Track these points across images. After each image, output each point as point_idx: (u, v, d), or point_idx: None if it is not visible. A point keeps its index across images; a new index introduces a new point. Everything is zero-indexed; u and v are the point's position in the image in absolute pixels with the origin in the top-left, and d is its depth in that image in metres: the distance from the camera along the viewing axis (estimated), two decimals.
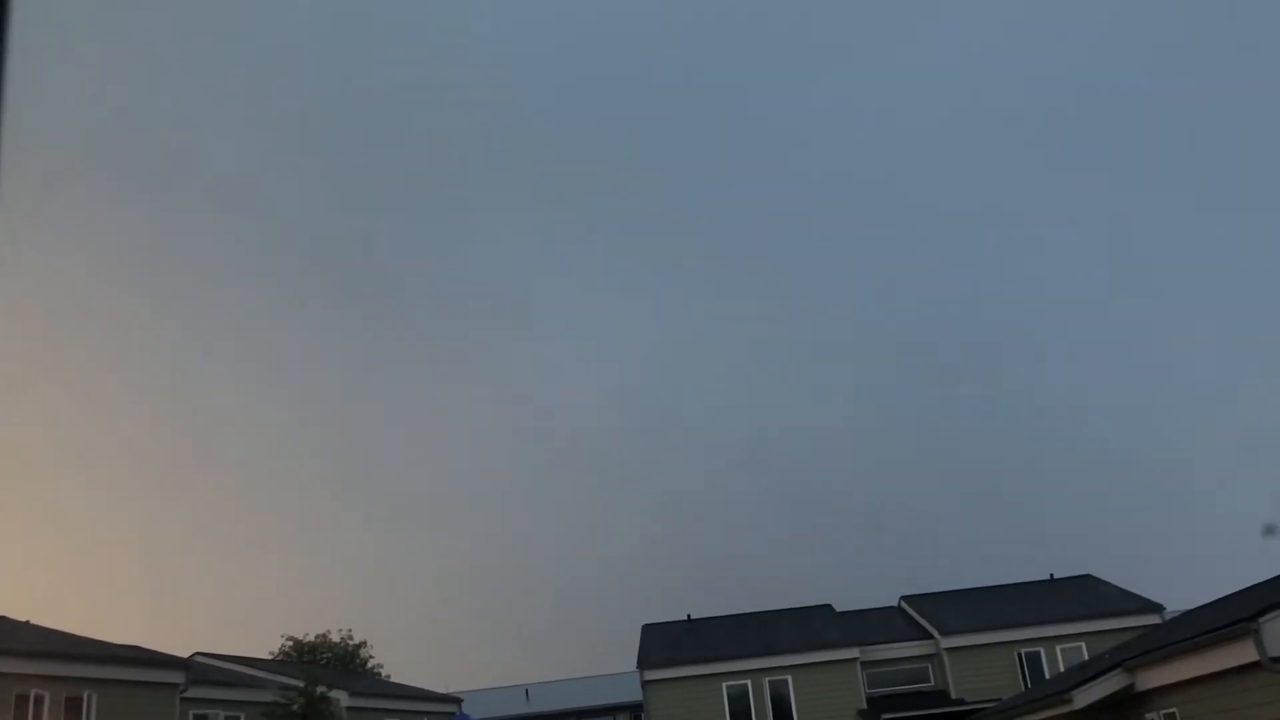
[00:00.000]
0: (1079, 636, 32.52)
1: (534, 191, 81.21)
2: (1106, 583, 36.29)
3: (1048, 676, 30.45)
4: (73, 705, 23.52)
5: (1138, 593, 34.51)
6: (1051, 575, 38.15)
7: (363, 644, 49.98)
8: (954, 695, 32.43)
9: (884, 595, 39.81)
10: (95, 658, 24.90)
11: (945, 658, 33.58)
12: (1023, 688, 30.75)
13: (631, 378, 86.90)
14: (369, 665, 49.42)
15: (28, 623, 27.60)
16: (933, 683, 33.90)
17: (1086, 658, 28.48)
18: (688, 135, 79.86)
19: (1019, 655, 33.01)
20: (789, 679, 33.23)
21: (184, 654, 30.15)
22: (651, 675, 33.93)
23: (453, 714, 35.74)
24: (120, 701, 24.42)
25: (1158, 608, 33.12)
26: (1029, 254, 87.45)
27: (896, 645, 34.64)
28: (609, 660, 51.07)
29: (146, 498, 78.02)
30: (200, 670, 29.86)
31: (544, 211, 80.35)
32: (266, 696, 30.55)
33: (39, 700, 22.79)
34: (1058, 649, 32.71)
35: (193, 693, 27.68)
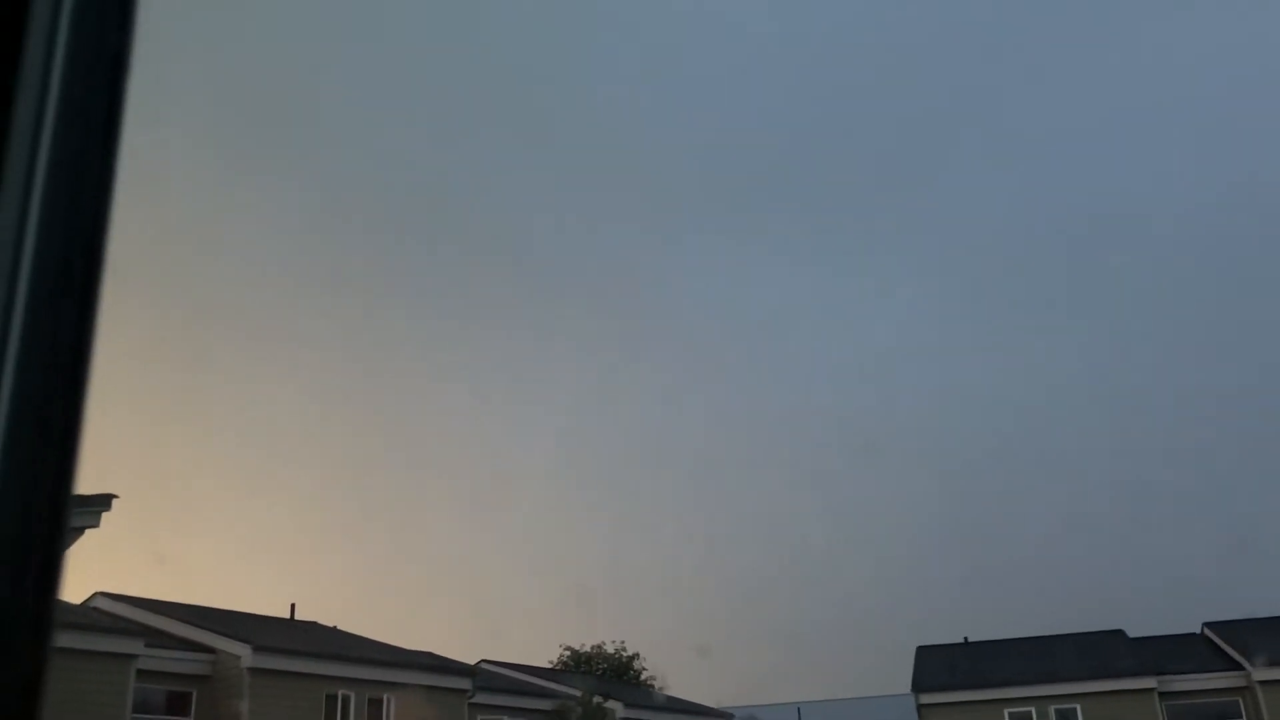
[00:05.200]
0: None
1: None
2: None
3: None
4: (374, 706, 25.30)
5: None
6: None
7: (636, 655, 51.11)
8: None
9: (1185, 623, 36.82)
10: (395, 663, 26.69)
11: (1259, 691, 30.62)
12: None
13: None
14: (642, 677, 50.45)
15: (335, 629, 29.98)
16: (1244, 719, 31.01)
17: None
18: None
19: None
20: (1078, 708, 31.28)
21: (470, 661, 31.81)
22: (928, 699, 32.83)
23: None
24: (415, 705, 26.03)
25: None
26: None
27: (1200, 676, 31.90)
28: (876, 681, 49.90)
29: (438, 510, 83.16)
30: (486, 677, 31.40)
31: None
32: (546, 704, 31.77)
33: (345, 701, 24.64)
34: None
35: (479, 699, 29.14)
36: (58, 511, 0.95)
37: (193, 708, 22.85)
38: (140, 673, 21.31)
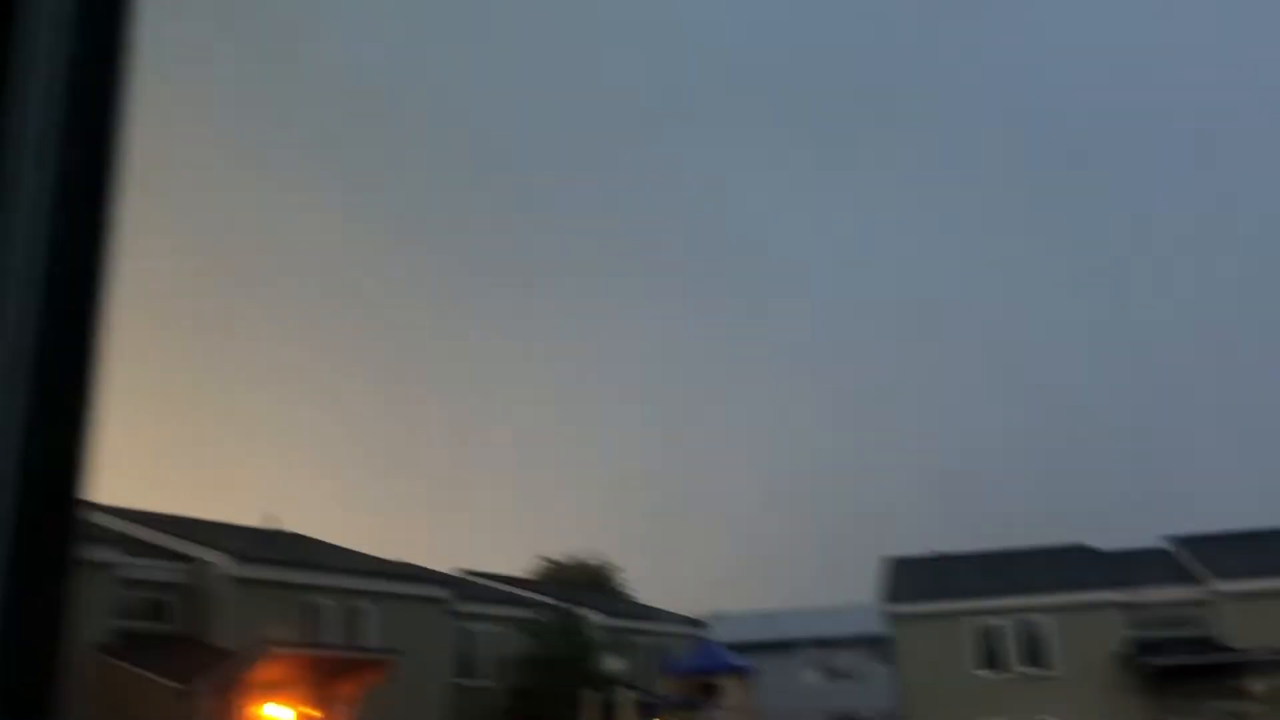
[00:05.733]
0: None
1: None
2: None
3: None
4: (354, 615, 25.65)
5: None
6: None
7: (614, 566, 51.93)
8: (1228, 644, 30.34)
9: (1148, 537, 37.55)
10: (374, 573, 27.01)
11: (1221, 603, 31.39)
12: None
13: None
14: (619, 587, 51.30)
15: (313, 538, 30.23)
16: (1204, 629, 31.81)
17: None
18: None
19: None
20: (1043, 619, 32.04)
21: (450, 572, 32.23)
22: (897, 609, 33.54)
23: (699, 637, 36.62)
24: (395, 614, 26.41)
25: None
26: None
27: (1164, 588, 32.64)
28: (853, 592, 50.81)
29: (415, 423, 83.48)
30: (465, 587, 31.84)
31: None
32: (525, 613, 32.30)
33: (325, 609, 24.97)
34: None
35: (459, 607, 29.59)
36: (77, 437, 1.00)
37: (171, 615, 23.12)
38: (118, 581, 21.52)
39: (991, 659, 32.07)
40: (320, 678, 21.52)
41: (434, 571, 29.64)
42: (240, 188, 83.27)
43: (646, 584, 56.55)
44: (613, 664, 31.64)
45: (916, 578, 35.21)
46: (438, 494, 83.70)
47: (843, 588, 70.56)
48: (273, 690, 20.62)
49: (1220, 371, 77.70)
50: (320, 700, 21.59)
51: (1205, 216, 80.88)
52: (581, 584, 47.60)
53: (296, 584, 24.38)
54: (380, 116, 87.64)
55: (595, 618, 34.31)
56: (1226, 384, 78.37)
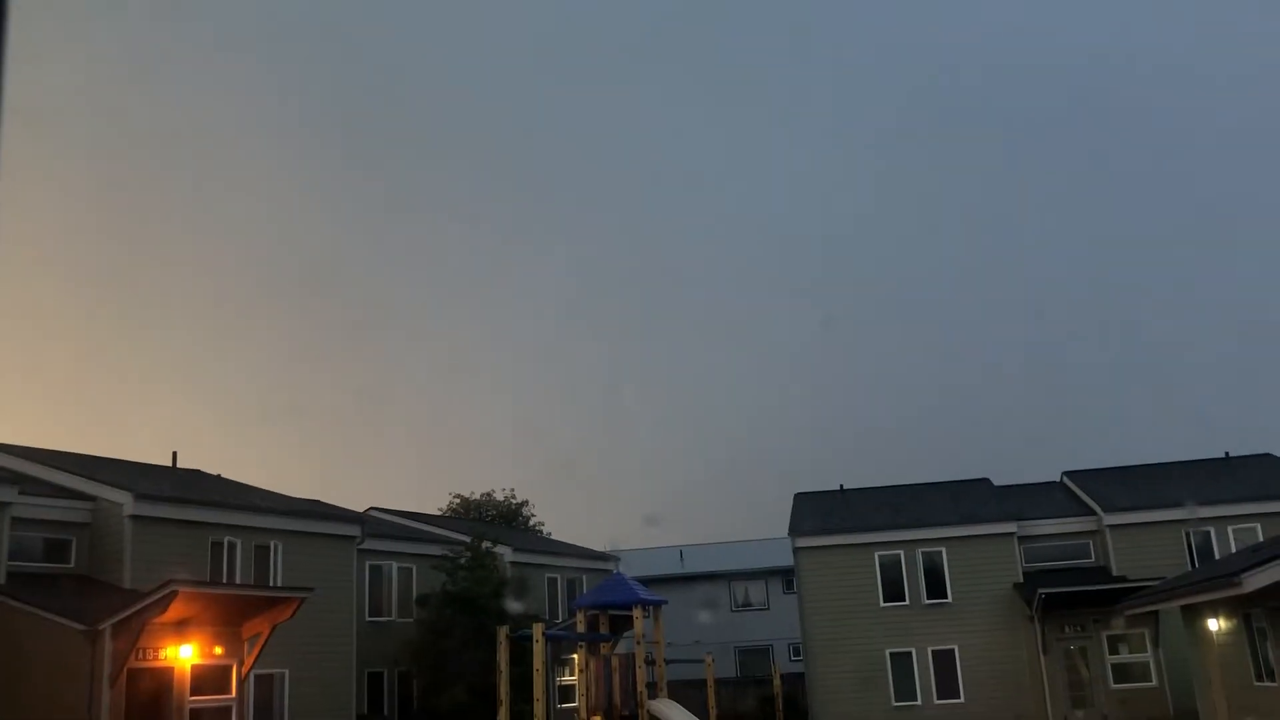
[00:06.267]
0: (1254, 518, 31.21)
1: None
2: None
3: (1218, 558, 29.47)
4: (261, 553, 25.40)
5: None
6: (1227, 454, 36.53)
7: (525, 503, 52.08)
8: (1115, 573, 31.78)
9: (1046, 472, 39.00)
10: (281, 510, 26.71)
11: (1108, 535, 32.80)
12: (1190, 569, 29.88)
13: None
14: (530, 523, 51.54)
15: (219, 477, 29.76)
16: (1093, 560, 33.27)
17: (1261, 540, 27.38)
18: None
19: (1187, 535, 31.96)
20: (943, 551, 33.11)
21: (359, 510, 32.03)
22: (803, 542, 34.30)
23: (610, 572, 37.07)
24: (303, 551, 26.22)
25: None
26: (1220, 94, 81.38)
27: (1056, 521, 33.97)
28: (758, 526, 51.91)
29: (321, 360, 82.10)
30: (374, 525, 31.70)
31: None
32: (436, 550, 32.30)
33: (232, 548, 24.67)
34: (1229, 530, 31.51)
35: (368, 545, 29.47)
36: None
37: (72, 555, 22.63)
38: (16, 520, 20.97)
39: (893, 589, 33.09)
40: (227, 617, 21.33)
41: (343, 509, 29.42)
42: (138, 118, 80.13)
43: (557, 520, 56.91)
44: (523, 599, 31.91)
45: (820, 512, 36.04)
46: (345, 434, 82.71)
47: (750, 523, 72.07)
48: (179, 630, 20.39)
49: (1111, 320, 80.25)
50: (228, 639, 21.42)
51: (1099, 153, 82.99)
52: (492, 520, 47.72)
53: (202, 522, 24.01)
54: (284, 54, 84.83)
55: (506, 553, 34.49)
56: (1117, 332, 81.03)
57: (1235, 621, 21.08)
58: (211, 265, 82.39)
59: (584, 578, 38.99)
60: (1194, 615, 23.34)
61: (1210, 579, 20.55)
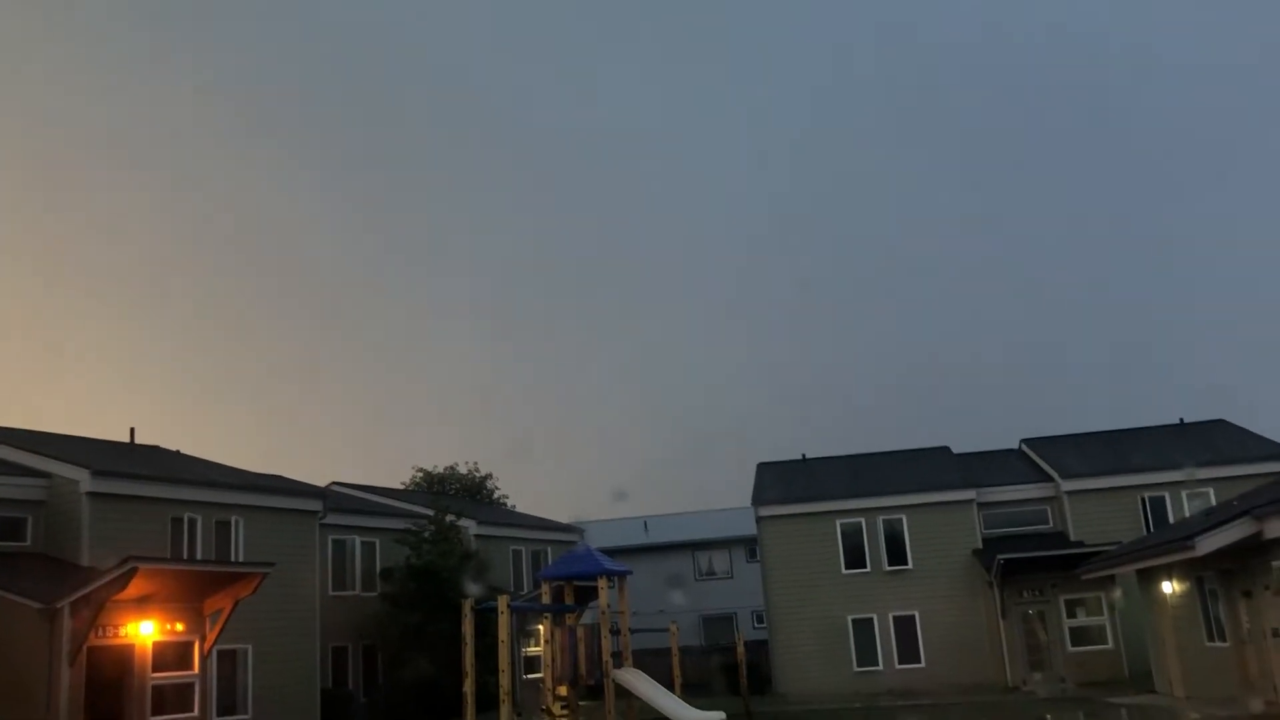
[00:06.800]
0: (1207, 482, 31.78)
1: None
2: (1240, 428, 35.17)
3: (1172, 523, 30.00)
4: (222, 529, 25.19)
5: (1275, 439, 33.38)
6: (1181, 420, 37.13)
7: (489, 476, 51.98)
8: (1072, 538, 32.27)
9: (1005, 440, 39.45)
10: (242, 486, 26.47)
11: (1065, 501, 33.30)
12: (1145, 533, 30.40)
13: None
14: (495, 496, 51.48)
15: (178, 452, 29.46)
16: (1051, 525, 33.76)
17: (1214, 504, 27.88)
18: None
19: (1142, 500, 32.52)
20: (903, 518, 33.47)
21: (321, 484, 31.79)
22: (766, 511, 34.55)
23: (574, 543, 37.14)
24: (264, 527, 26.03)
25: None
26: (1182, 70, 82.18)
27: (1014, 487, 34.42)
28: (723, 496, 52.15)
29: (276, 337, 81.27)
30: (337, 499, 31.50)
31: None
32: (399, 524, 32.21)
33: (192, 523, 24.45)
34: (1183, 495, 32.09)
35: (331, 520, 29.31)
36: None
37: (28, 534, 22.34)
38: None
39: (854, 557, 33.41)
40: (189, 593, 21.15)
41: (304, 484, 29.17)
42: (79, 90, 78.50)
43: (521, 494, 56.94)
44: (487, 571, 31.92)
45: (783, 481, 36.29)
46: (306, 410, 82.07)
47: (714, 493, 72.43)
48: (139, 607, 20.21)
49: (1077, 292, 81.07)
50: (189, 615, 21.26)
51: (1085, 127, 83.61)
52: (456, 494, 47.62)
53: (161, 499, 23.74)
54: (233, 12, 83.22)
55: (470, 527, 34.46)
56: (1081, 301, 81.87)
57: (1188, 584, 21.49)
58: (167, 242, 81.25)
59: (549, 549, 39.05)
60: (1149, 579, 23.77)
61: (1165, 543, 20.91)
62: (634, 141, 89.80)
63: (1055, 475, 34.01)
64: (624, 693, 22.21)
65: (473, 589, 27.01)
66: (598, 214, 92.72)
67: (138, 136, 79.10)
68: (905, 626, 32.66)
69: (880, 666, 32.48)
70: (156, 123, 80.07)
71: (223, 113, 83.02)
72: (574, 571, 23.84)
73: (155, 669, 20.43)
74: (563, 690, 21.56)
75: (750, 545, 42.85)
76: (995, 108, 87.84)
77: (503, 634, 19.60)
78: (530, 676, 29.97)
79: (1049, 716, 21.92)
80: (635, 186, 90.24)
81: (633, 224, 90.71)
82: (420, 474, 50.31)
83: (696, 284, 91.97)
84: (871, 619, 32.84)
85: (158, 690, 20.44)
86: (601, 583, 22.19)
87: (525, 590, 35.77)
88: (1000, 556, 29.69)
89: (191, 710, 20.97)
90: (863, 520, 33.68)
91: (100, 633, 19.43)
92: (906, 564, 33.15)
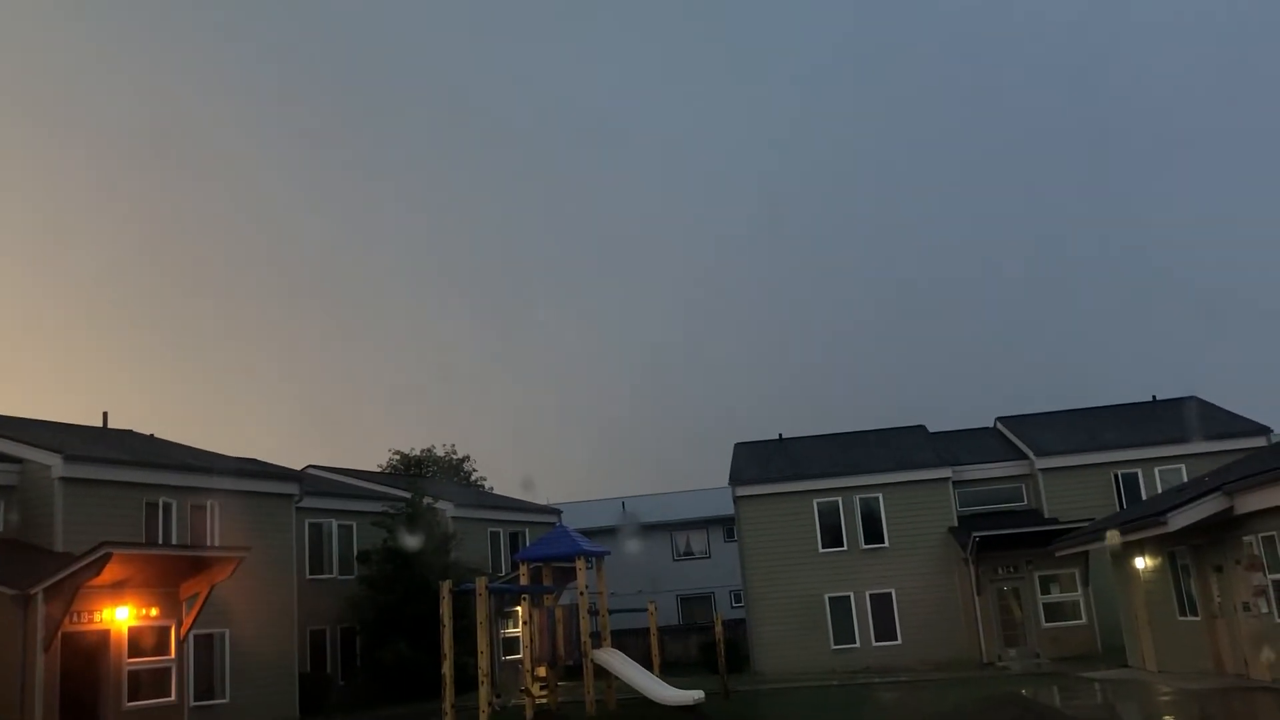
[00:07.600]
0: (1179, 459, 32.09)
1: None
2: (1212, 405, 35.49)
3: (1145, 499, 30.28)
4: (197, 513, 25.04)
5: (1246, 415, 33.72)
6: (1154, 397, 37.46)
7: (466, 458, 51.93)
8: (1047, 515, 32.54)
9: (980, 419, 39.73)
10: (216, 469, 26.29)
11: (1039, 478, 33.56)
12: (1119, 510, 30.69)
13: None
14: (472, 478, 51.43)
15: (152, 436, 29.24)
16: (1025, 503, 34.02)
17: (1186, 480, 28.17)
18: None
19: (1116, 477, 32.82)
20: (880, 497, 33.64)
21: (297, 468, 31.64)
22: (743, 491, 34.63)
23: (552, 524, 37.15)
24: (240, 510, 25.88)
25: (1264, 430, 32.35)
26: (1147, 39, 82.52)
27: (990, 465, 34.66)
28: (699, 476, 52.33)
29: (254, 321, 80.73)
30: (313, 482, 31.38)
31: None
32: (376, 507, 32.12)
33: (167, 508, 24.29)
34: (1156, 471, 32.39)
35: (307, 503, 29.21)
36: None
37: (0, 519, 22.12)
38: None
39: (831, 535, 33.58)
40: (164, 578, 21.04)
41: (279, 467, 29.02)
42: (53, 58, 77.36)
43: (500, 474, 56.89)
44: (465, 553, 31.91)
45: (760, 461, 36.39)
46: (280, 394, 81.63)
47: (692, 473, 72.65)
48: (114, 592, 20.08)
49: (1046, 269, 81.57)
50: (165, 600, 21.15)
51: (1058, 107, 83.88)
52: (433, 476, 47.54)
53: (135, 483, 23.56)
54: None
55: (447, 509, 34.39)
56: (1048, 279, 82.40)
57: (1161, 560, 21.72)
58: (135, 223, 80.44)
59: (527, 531, 39.06)
60: (1122, 554, 24.00)
61: (1137, 519, 21.09)
62: (625, 119, 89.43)
63: (1030, 453, 34.27)
64: (603, 673, 22.29)
65: (450, 571, 27.00)
66: (578, 190, 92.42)
67: (97, 110, 78.17)
68: (882, 604, 32.88)
69: (857, 644, 32.69)
70: (100, 92, 79.10)
71: (182, 75, 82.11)
72: (552, 553, 23.86)
73: (131, 654, 20.34)
74: (542, 671, 21.62)
75: (728, 525, 42.98)
76: (961, 88, 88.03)
77: (481, 615, 19.60)
78: (509, 658, 30.03)
79: (1024, 691, 22.12)
80: (625, 166, 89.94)
81: (619, 207, 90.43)
82: (397, 456, 50.21)
83: (677, 266, 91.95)
84: (849, 597, 33.05)
85: (134, 675, 20.36)
86: (579, 563, 22.21)
87: (504, 572, 35.77)
88: (975, 534, 29.90)
89: (169, 695, 20.90)
90: (839, 499, 33.83)
91: (75, 619, 19.31)
92: (883, 542, 33.35)
